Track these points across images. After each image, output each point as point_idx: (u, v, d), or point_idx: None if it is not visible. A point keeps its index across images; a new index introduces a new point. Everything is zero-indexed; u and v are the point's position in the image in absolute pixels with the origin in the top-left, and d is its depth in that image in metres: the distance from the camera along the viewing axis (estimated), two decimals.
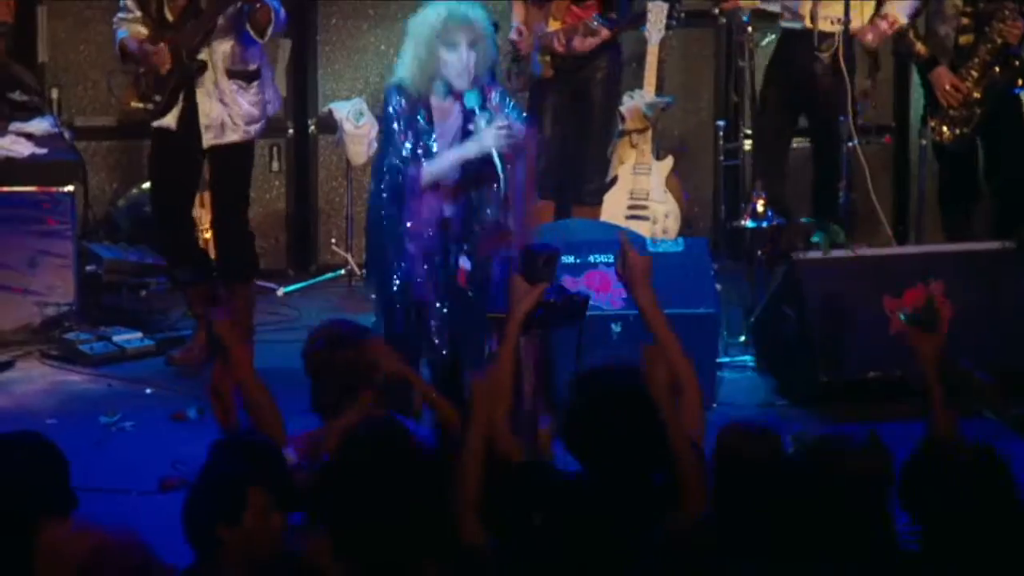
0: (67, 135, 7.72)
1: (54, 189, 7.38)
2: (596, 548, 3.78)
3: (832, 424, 6.23)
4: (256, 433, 4.43)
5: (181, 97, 6.87)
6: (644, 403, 4.16)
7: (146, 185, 8.13)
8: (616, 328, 6.58)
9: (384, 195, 5.93)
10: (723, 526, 3.96)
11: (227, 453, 4.00)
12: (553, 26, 7.46)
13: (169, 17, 6.87)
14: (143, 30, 6.89)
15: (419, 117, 5.95)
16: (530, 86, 7.55)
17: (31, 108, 7.89)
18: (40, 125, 7.68)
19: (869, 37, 7.52)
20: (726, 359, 6.93)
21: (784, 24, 7.67)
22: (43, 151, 7.49)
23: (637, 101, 7.87)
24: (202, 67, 6.84)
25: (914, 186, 8.54)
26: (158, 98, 6.89)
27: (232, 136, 6.88)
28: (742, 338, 7.18)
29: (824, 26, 7.43)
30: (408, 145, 5.91)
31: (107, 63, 8.08)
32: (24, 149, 7.45)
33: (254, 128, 6.95)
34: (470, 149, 5.89)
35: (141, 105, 6.95)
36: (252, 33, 6.82)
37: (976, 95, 7.55)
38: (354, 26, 8.40)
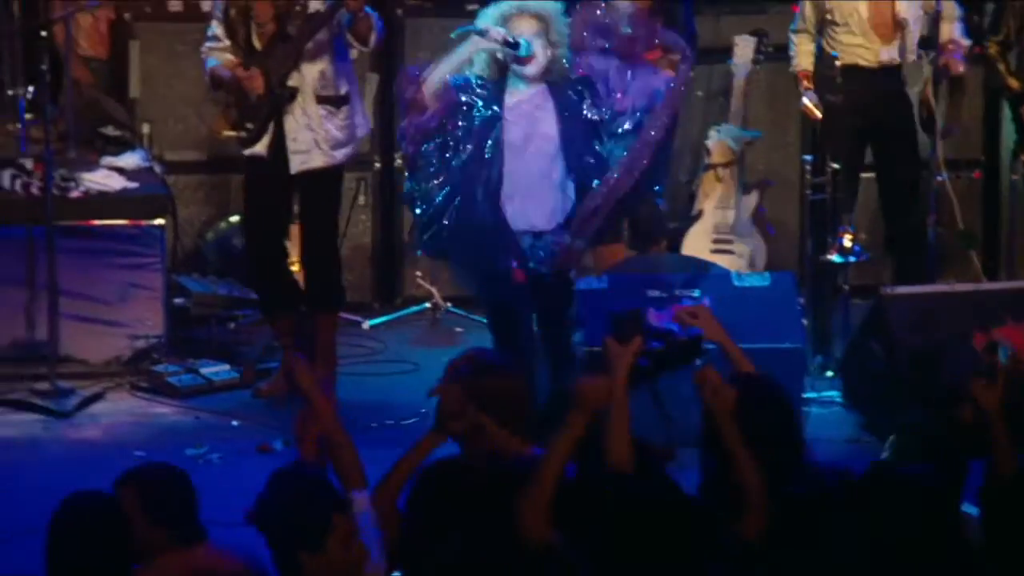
0: (157, 169, 7.80)
1: (144, 222, 7.46)
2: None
3: None
4: None
5: (272, 124, 6.91)
6: None
7: (234, 218, 8.22)
8: (700, 363, 6.55)
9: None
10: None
11: (310, 481, 4.04)
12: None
13: (257, 44, 6.92)
14: (232, 58, 6.95)
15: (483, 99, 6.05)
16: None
17: (123, 142, 7.99)
18: (131, 159, 7.77)
19: (961, 68, 7.45)
20: (813, 394, 6.89)
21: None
22: (134, 185, 7.58)
23: (723, 135, 7.85)
24: (293, 93, 6.87)
25: (1004, 221, 8.46)
26: (250, 126, 6.93)
27: (319, 161, 6.91)
28: (829, 373, 7.12)
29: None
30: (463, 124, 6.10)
31: (197, 98, 8.18)
32: (115, 183, 7.54)
33: (341, 152, 6.97)
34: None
35: (233, 134, 7.00)
36: (355, 43, 6.85)
37: None
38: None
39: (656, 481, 4.17)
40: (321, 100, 6.89)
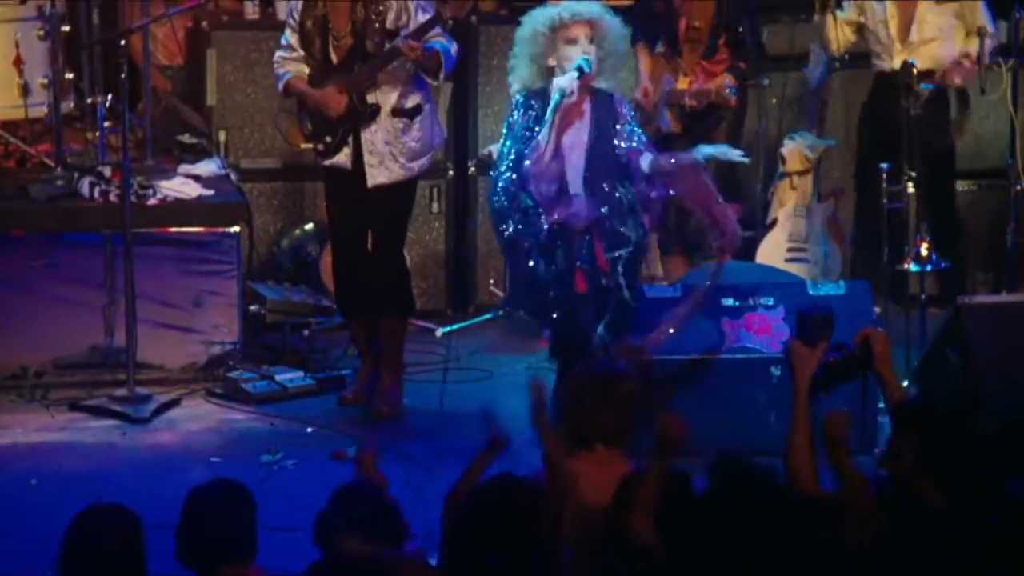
0: (233, 177, 7.85)
1: (220, 230, 7.50)
2: None
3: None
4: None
5: (351, 138, 6.94)
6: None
7: (309, 226, 8.26)
8: (776, 371, 6.53)
9: (505, 175, 6.05)
10: None
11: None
12: (682, 82, 7.39)
13: (334, 58, 6.94)
14: (305, 69, 6.98)
15: (534, 111, 6.10)
16: (657, 139, 7.52)
17: (199, 150, 8.05)
18: (208, 167, 7.82)
19: (958, 80, 7.39)
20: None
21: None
22: (210, 192, 7.63)
23: (799, 143, 7.81)
24: (376, 111, 6.89)
25: None
26: (329, 139, 6.96)
27: (396, 175, 6.93)
28: (905, 383, 7.07)
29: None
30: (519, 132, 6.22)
31: (272, 106, 8.23)
32: (192, 191, 7.59)
33: (417, 164, 6.99)
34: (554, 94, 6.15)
35: (311, 145, 7.04)
36: (426, 77, 6.89)
37: None
38: None
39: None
40: (396, 113, 6.91)
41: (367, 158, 6.92)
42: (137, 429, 6.93)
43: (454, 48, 6.91)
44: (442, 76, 6.91)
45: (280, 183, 8.38)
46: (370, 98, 6.90)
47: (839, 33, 7.53)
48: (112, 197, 7.37)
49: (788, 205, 7.81)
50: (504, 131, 6.55)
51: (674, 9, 7.43)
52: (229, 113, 8.32)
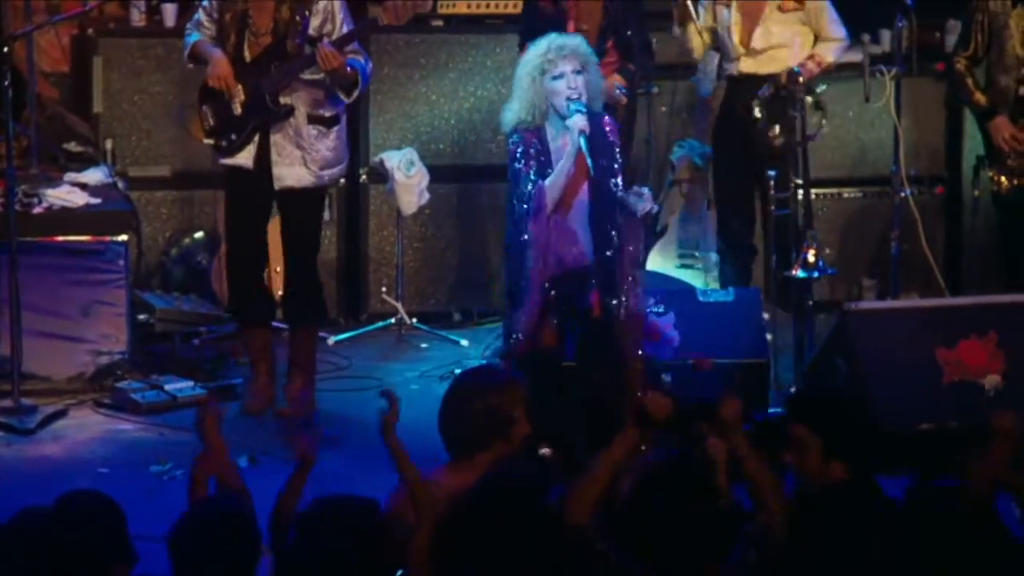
0: (121, 185, 7.78)
1: (108, 238, 7.43)
2: None
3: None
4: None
5: (257, 138, 6.89)
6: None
7: (198, 234, 8.20)
8: (667, 377, 6.58)
9: (517, 224, 6.16)
10: None
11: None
12: None
13: (247, 55, 6.87)
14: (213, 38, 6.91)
15: (533, 149, 6.15)
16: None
17: (86, 158, 7.97)
18: (94, 175, 7.74)
19: (800, 80, 7.48)
20: (777, 410, 6.89)
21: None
22: (97, 201, 7.55)
23: (688, 151, 7.87)
24: (289, 111, 6.84)
25: (966, 236, 8.50)
26: (234, 137, 6.90)
27: (306, 180, 6.89)
28: (792, 388, 7.14)
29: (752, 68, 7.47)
30: (532, 176, 6.18)
31: (159, 113, 8.17)
32: (79, 199, 7.51)
33: (328, 173, 6.96)
34: (570, 150, 6.21)
35: (212, 141, 6.97)
36: (338, 91, 6.84)
37: None
38: (406, 76, 8.44)
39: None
40: (312, 120, 6.86)
41: (275, 159, 6.86)
42: (22, 440, 6.84)
43: (369, 67, 6.90)
44: (355, 94, 6.89)
45: (169, 191, 8.31)
46: (283, 99, 6.85)
47: (700, 41, 7.63)
48: None
49: (678, 212, 7.86)
50: (512, 181, 6.42)
51: (563, 10, 7.45)
52: (116, 121, 8.24)
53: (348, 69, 6.74)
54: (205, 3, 6.95)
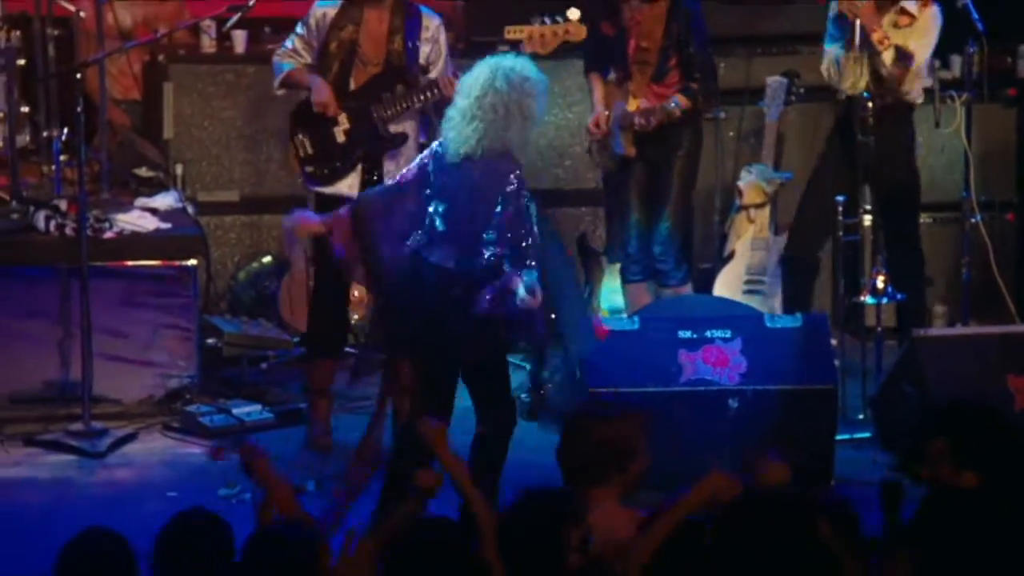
0: (191, 210, 7.83)
1: (177, 263, 7.47)
2: None
3: None
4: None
5: (361, 165, 6.90)
6: None
7: (266, 259, 8.24)
8: (733, 403, 6.55)
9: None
10: None
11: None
12: (633, 104, 7.38)
13: (352, 84, 6.89)
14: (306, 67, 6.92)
15: None
16: (613, 164, 7.53)
17: (156, 183, 8.03)
18: (165, 200, 7.80)
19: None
20: (845, 435, 6.86)
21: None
22: (167, 225, 7.61)
23: (755, 176, 7.85)
24: (404, 139, 6.86)
25: None
26: (338, 164, 6.91)
27: None
28: (861, 415, 7.10)
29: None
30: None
31: (229, 138, 8.22)
32: (149, 224, 7.57)
33: None
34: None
35: (311, 169, 6.94)
36: (436, 117, 6.86)
37: None
38: None
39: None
40: (419, 148, 6.85)
41: None
42: (93, 464, 6.89)
43: None
44: None
45: (238, 216, 8.36)
46: (395, 127, 6.87)
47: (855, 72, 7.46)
48: (68, 231, 7.33)
49: (745, 238, 7.84)
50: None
51: (624, 30, 7.42)
52: (186, 146, 8.31)
53: None
54: (300, 31, 6.96)
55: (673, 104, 7.26)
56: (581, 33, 6.86)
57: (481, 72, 5.71)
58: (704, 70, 7.34)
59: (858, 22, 7.20)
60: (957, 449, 4.61)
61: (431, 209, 5.73)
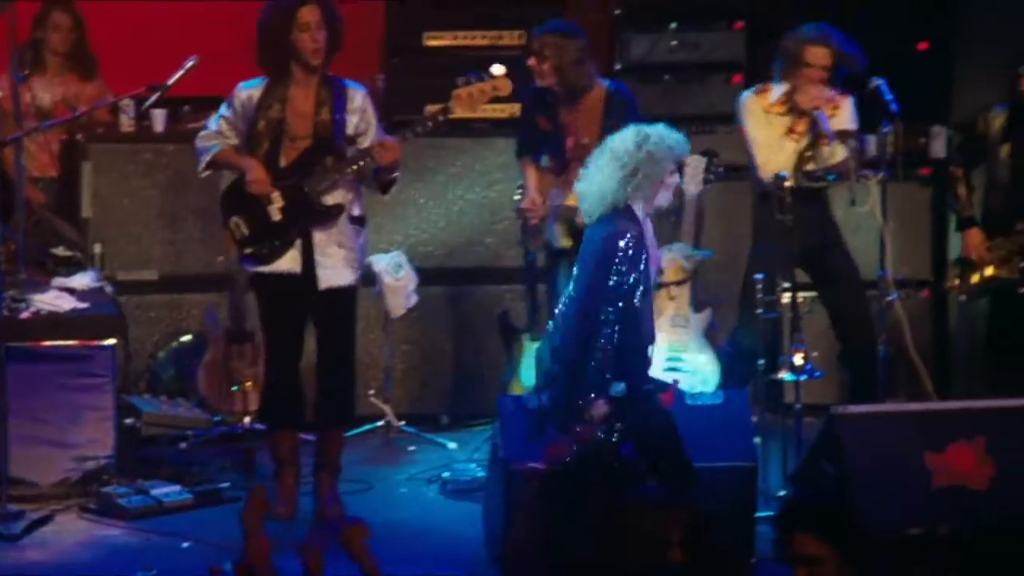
0: (109, 289, 7.78)
1: (95, 342, 7.41)
2: None
3: None
4: None
5: (300, 241, 6.89)
6: None
7: (186, 338, 8.19)
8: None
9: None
10: None
11: None
12: (571, 198, 7.43)
13: (283, 161, 6.90)
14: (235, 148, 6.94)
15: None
16: (543, 252, 7.57)
17: (74, 263, 7.98)
18: (82, 280, 7.75)
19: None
20: (766, 512, 6.87)
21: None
22: (84, 305, 7.55)
23: (675, 254, 7.89)
24: (339, 212, 6.87)
25: (953, 339, 8.52)
26: (277, 243, 6.90)
27: (348, 279, 6.94)
28: (781, 492, 7.12)
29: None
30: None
31: (149, 218, 8.19)
32: (66, 303, 7.51)
33: (361, 272, 7.05)
34: None
35: (250, 250, 6.94)
36: (374, 188, 6.89)
37: (989, 272, 7.67)
38: None
39: None
40: (352, 220, 6.89)
41: (319, 259, 6.88)
42: (7, 547, 6.79)
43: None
44: (392, 190, 6.97)
45: (157, 295, 8.32)
46: (329, 200, 6.87)
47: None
48: None
49: (666, 315, 7.88)
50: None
51: (561, 125, 7.48)
52: (105, 225, 8.27)
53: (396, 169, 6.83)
54: (226, 112, 6.97)
55: None
56: (507, 88, 6.92)
57: None
58: None
59: (822, 112, 7.44)
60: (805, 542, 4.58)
61: None
